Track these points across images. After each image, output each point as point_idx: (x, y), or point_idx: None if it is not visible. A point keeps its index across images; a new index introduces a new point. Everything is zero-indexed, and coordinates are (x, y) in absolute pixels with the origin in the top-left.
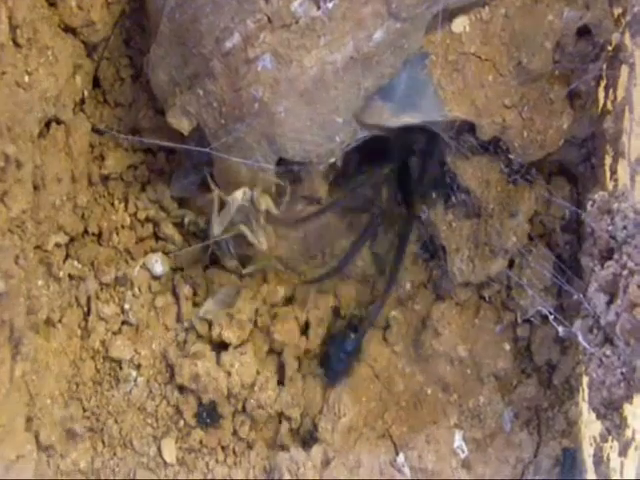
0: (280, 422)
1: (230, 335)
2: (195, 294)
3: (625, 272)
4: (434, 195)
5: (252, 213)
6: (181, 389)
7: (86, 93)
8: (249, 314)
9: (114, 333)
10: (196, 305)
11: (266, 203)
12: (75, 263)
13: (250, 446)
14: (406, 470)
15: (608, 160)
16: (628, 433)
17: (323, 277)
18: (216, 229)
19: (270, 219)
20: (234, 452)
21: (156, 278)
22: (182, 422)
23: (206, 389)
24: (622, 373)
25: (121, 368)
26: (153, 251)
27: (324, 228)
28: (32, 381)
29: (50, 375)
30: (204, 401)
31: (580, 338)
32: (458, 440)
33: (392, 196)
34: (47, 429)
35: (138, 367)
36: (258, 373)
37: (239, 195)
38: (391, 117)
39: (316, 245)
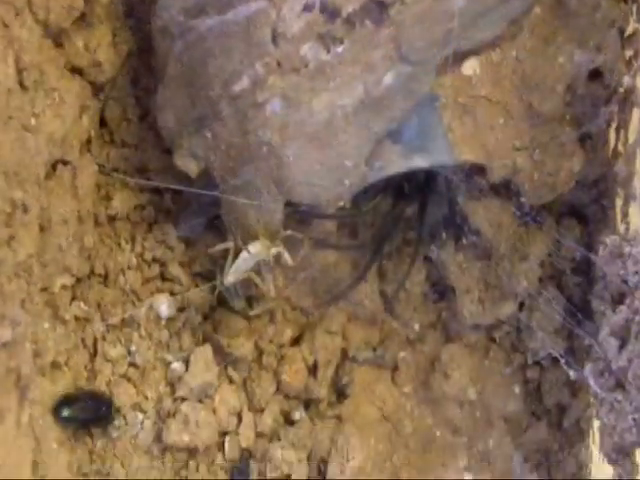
0: (288, 464)
1: (235, 376)
2: None
3: (637, 317)
4: (444, 236)
5: (269, 266)
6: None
7: (93, 133)
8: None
9: (120, 375)
10: None
11: (284, 256)
12: (81, 305)
13: None
14: None
15: (619, 202)
16: None
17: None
18: (230, 279)
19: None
20: None
21: (163, 319)
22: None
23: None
24: (634, 419)
25: (127, 411)
26: (160, 292)
27: (330, 268)
28: (38, 426)
29: (56, 419)
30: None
31: (591, 382)
32: None
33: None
34: (54, 474)
35: (144, 410)
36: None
37: (258, 248)
38: (401, 160)
39: (323, 285)
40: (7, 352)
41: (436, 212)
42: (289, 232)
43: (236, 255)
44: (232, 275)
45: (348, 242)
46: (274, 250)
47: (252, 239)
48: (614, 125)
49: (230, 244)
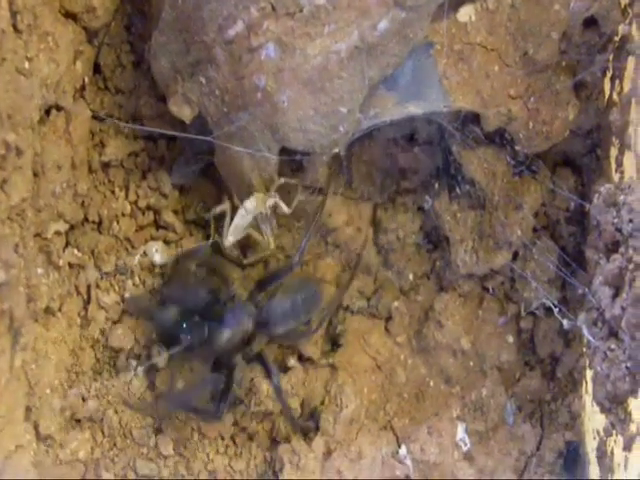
0: (281, 413)
1: None
2: None
3: (631, 266)
4: (438, 185)
5: (268, 217)
6: None
7: (87, 79)
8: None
9: (114, 322)
10: None
11: (279, 205)
12: (75, 251)
13: (251, 437)
14: (408, 462)
15: (614, 152)
16: (633, 428)
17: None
18: (231, 238)
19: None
20: (235, 443)
21: (157, 267)
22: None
23: None
24: (627, 367)
25: (121, 358)
26: (154, 239)
27: (325, 217)
28: (31, 370)
29: (49, 364)
30: None
31: (585, 331)
32: (460, 432)
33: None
34: (46, 419)
35: (138, 357)
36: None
37: (253, 203)
38: (395, 107)
39: (318, 234)
40: (0, 294)
41: (430, 162)
42: (282, 180)
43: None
44: (232, 235)
45: (343, 191)
46: (270, 202)
47: (247, 188)
48: (609, 74)
49: (226, 205)
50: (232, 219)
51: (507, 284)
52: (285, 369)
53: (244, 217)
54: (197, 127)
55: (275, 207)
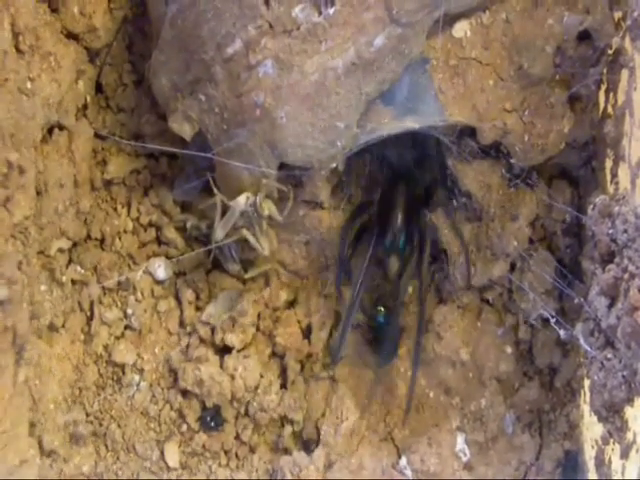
0: (283, 425)
1: (233, 339)
2: (198, 298)
3: (626, 275)
4: (435, 198)
5: (255, 219)
6: (184, 393)
7: (89, 99)
8: (252, 318)
9: (117, 338)
10: (199, 309)
11: (269, 209)
12: (78, 268)
13: (253, 450)
14: (408, 473)
15: (609, 164)
16: (629, 436)
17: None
18: (219, 233)
19: (273, 223)
20: (237, 456)
21: (159, 283)
22: (185, 426)
23: (209, 393)
24: (623, 376)
25: (124, 373)
26: (156, 256)
27: (325, 231)
28: (35, 386)
29: (53, 380)
30: (208, 405)
31: (581, 341)
32: (460, 443)
33: None
34: (50, 434)
35: (141, 371)
36: (261, 377)
37: (242, 200)
38: (392, 122)
39: (317, 249)
40: (3, 310)
41: (427, 175)
42: (266, 181)
43: (224, 212)
44: (220, 230)
45: (343, 205)
46: (251, 199)
47: None
48: (603, 87)
49: (217, 199)
50: (222, 215)
51: (505, 296)
52: (286, 385)
53: (232, 213)
54: (198, 144)
55: (267, 212)
